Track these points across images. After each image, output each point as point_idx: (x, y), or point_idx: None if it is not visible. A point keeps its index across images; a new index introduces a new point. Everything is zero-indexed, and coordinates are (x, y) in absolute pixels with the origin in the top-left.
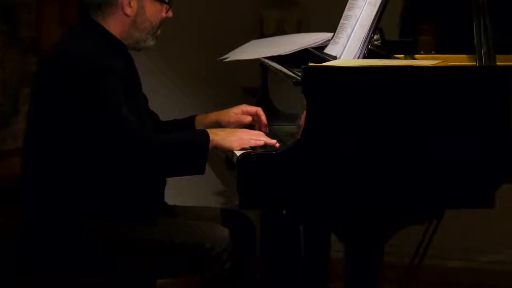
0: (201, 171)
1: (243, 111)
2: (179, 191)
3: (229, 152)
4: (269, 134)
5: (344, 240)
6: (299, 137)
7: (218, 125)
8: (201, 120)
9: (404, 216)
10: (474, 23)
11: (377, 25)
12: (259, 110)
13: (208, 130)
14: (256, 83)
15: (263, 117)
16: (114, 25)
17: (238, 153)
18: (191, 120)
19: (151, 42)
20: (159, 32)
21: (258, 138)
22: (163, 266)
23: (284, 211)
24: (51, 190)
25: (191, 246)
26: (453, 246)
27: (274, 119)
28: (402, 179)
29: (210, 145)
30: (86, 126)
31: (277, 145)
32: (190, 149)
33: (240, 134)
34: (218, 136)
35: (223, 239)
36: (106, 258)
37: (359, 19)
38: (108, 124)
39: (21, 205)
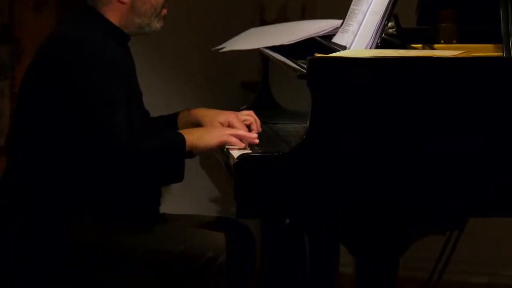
0: (180, 178)
1: (229, 123)
2: (172, 198)
3: (212, 151)
4: (271, 134)
5: (354, 252)
6: None
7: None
8: (184, 117)
9: (422, 224)
10: (501, 10)
11: (392, 11)
12: (247, 122)
13: (183, 131)
14: (256, 76)
15: (254, 126)
16: (112, 14)
17: (235, 155)
18: (174, 116)
19: (157, 25)
20: (164, 11)
21: (237, 133)
22: (160, 277)
23: (287, 220)
24: (40, 192)
25: (192, 255)
26: (478, 259)
27: (276, 116)
28: (420, 183)
29: (186, 148)
30: (80, 122)
31: (256, 141)
32: (166, 157)
33: (216, 131)
34: (193, 136)
35: (225, 249)
36: (97, 269)
37: (371, 4)
38: (98, 127)
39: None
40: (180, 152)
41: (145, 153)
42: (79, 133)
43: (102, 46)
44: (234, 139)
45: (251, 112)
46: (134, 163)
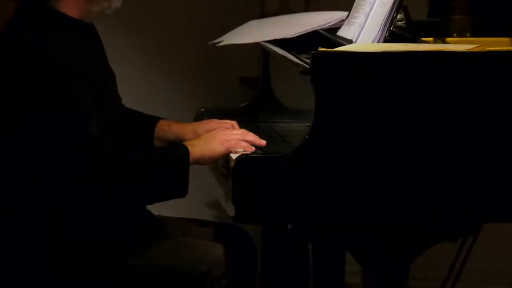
0: (183, 194)
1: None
2: (165, 202)
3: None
4: (272, 133)
5: (361, 261)
6: None
7: (179, 141)
8: (162, 127)
9: (433, 230)
10: None
11: (401, 2)
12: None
13: (186, 143)
14: (256, 72)
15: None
16: (68, 8)
17: (234, 156)
18: (153, 122)
19: (117, 3)
20: None
21: (244, 137)
22: None
23: (290, 226)
24: (21, 207)
25: (183, 270)
26: (493, 268)
27: (277, 114)
28: (431, 185)
29: (190, 161)
30: (46, 141)
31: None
32: (168, 171)
33: (220, 136)
34: (196, 148)
35: (221, 261)
36: (84, 284)
37: None
38: (73, 144)
39: None
40: (184, 168)
41: (138, 168)
42: (57, 152)
43: (61, 50)
44: (244, 144)
45: (234, 123)
46: (123, 177)
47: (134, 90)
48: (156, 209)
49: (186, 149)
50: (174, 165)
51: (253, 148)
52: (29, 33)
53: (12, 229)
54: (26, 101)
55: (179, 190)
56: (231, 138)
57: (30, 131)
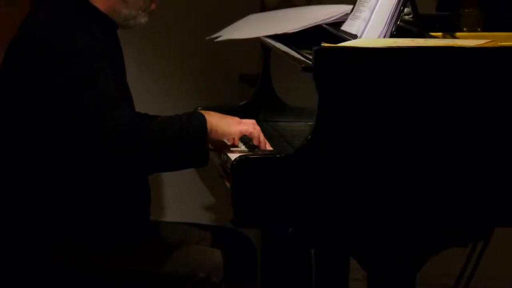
0: (203, 161)
1: None
2: (162, 204)
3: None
4: (272, 133)
5: (366, 266)
6: None
7: None
8: None
9: (442, 235)
10: None
11: None
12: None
13: (201, 112)
14: (256, 69)
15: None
16: (99, 1)
17: (233, 157)
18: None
19: (142, 20)
20: (153, 6)
21: (259, 138)
22: None
23: (291, 229)
24: (19, 204)
25: (181, 277)
26: (505, 274)
27: (278, 113)
28: (439, 186)
29: (208, 129)
30: (67, 117)
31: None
32: (186, 139)
33: (237, 118)
34: (212, 117)
35: (220, 267)
36: None
37: None
38: (74, 144)
39: None
40: (202, 132)
41: (158, 137)
42: (70, 131)
43: (83, 34)
44: (256, 133)
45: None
46: (145, 147)
47: (134, 89)
48: (154, 213)
49: (202, 116)
50: (191, 131)
51: (263, 143)
52: (51, 22)
53: (12, 229)
54: (28, 98)
55: (199, 157)
56: (248, 122)
57: (30, 130)
